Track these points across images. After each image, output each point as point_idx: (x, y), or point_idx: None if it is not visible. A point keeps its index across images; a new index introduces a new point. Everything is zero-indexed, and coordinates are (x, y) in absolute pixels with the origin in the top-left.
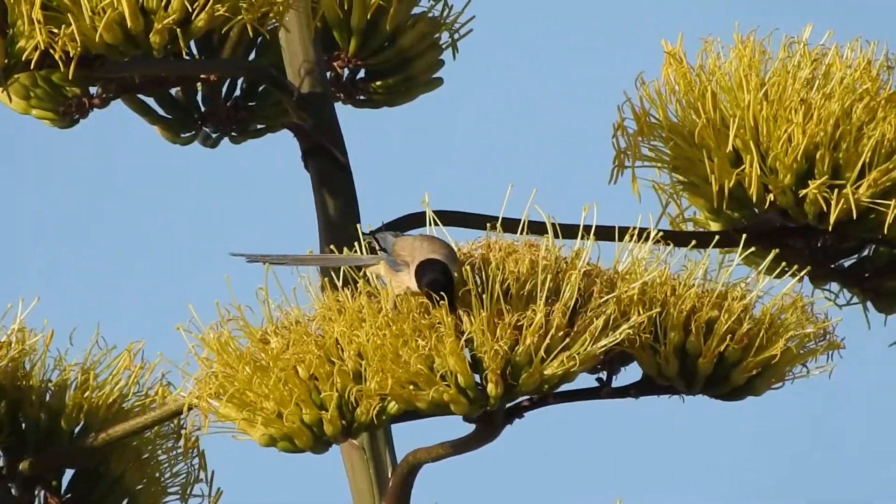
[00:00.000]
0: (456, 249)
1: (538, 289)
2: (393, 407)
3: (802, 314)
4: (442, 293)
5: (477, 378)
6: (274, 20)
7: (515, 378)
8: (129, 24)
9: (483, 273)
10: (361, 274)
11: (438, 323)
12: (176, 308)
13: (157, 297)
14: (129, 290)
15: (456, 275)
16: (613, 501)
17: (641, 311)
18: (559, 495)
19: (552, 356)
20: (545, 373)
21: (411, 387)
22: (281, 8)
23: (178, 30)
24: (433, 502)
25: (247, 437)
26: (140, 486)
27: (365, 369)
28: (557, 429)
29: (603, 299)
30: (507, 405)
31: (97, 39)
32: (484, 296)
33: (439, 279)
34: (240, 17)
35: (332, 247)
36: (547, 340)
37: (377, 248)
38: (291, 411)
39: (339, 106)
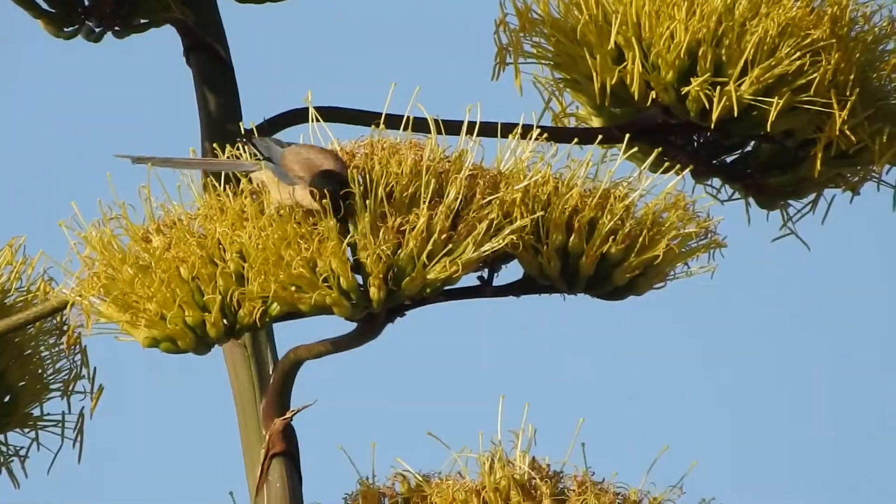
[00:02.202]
0: (339, 148)
1: (421, 191)
2: (275, 309)
3: (684, 213)
4: (340, 201)
5: (359, 280)
6: None
7: (398, 282)
8: None
9: (366, 175)
10: (244, 174)
11: (316, 224)
12: (58, 204)
13: (38, 193)
14: (9, 185)
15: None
16: (497, 398)
17: (524, 213)
18: (441, 392)
19: (435, 261)
20: (428, 277)
21: (294, 289)
22: None
23: None
24: (314, 399)
25: (129, 338)
26: (22, 383)
27: (247, 271)
28: (438, 325)
29: (486, 200)
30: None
31: None
32: (367, 199)
33: (338, 189)
34: None
35: (214, 145)
36: (429, 245)
37: (258, 153)
38: (174, 313)
39: (221, 1)
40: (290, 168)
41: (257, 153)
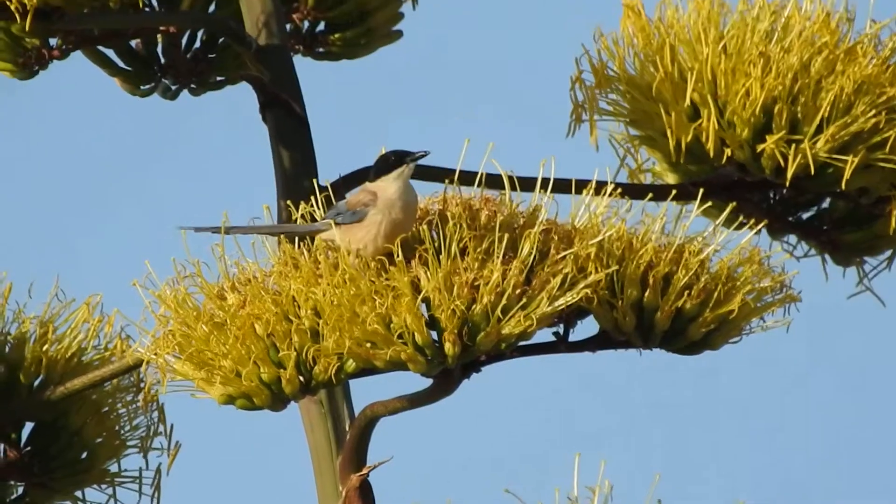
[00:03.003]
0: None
1: (495, 246)
2: (351, 365)
3: (759, 268)
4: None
5: (434, 335)
6: None
7: (472, 337)
8: None
9: (440, 230)
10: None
11: (387, 280)
12: (133, 263)
13: (113, 251)
14: (86, 244)
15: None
16: (572, 455)
17: (599, 268)
18: (516, 448)
19: (509, 315)
20: (502, 332)
21: (369, 345)
22: None
23: None
24: (390, 455)
25: (205, 395)
26: (99, 440)
27: (322, 327)
28: (513, 380)
29: (560, 256)
30: None
31: None
32: (441, 255)
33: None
34: None
35: (288, 202)
36: (504, 300)
37: (333, 219)
38: (249, 370)
39: (297, 58)
40: (355, 203)
41: (332, 218)
